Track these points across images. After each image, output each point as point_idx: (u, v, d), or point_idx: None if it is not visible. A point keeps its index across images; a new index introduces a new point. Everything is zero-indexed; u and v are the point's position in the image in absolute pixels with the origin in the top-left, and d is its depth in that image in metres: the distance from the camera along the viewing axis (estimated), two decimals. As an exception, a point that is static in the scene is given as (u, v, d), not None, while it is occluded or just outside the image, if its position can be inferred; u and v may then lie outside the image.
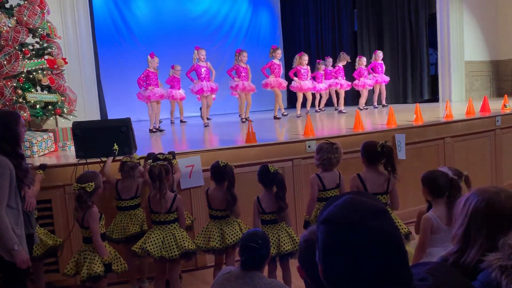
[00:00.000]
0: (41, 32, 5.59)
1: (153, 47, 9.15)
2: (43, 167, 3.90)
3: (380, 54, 9.79)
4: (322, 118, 8.58)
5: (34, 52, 5.44)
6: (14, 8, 5.34)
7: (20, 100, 5.11)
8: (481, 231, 1.63)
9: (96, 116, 7.18)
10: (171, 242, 3.50)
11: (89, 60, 7.22)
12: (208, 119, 8.16)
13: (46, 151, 5.01)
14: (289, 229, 3.57)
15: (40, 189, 3.67)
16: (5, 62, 4.99)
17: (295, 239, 3.50)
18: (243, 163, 4.63)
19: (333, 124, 7.38)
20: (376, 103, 9.88)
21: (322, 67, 9.82)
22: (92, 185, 3.26)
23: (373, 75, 9.66)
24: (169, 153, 4.18)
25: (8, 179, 2.75)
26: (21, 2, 5.43)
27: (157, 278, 3.72)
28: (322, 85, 9.61)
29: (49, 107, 5.42)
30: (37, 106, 5.25)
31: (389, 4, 11.21)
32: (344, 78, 9.66)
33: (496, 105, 7.21)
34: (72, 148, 4.82)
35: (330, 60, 10.06)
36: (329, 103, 10.58)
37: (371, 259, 0.95)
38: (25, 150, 4.49)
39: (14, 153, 2.90)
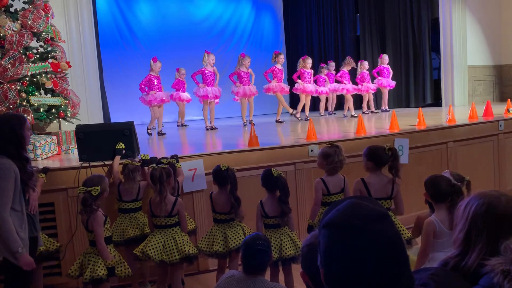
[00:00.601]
0: (45, 36, 5.62)
1: (156, 51, 9.20)
2: (45, 170, 3.91)
3: (386, 57, 9.79)
4: (324, 123, 8.58)
5: (38, 56, 5.47)
6: (19, 12, 5.38)
7: (24, 103, 5.13)
8: (482, 235, 1.63)
9: (99, 120, 7.20)
10: (172, 246, 3.50)
11: (92, 63, 7.25)
12: (212, 126, 8.16)
13: (50, 154, 5.03)
14: (292, 233, 3.56)
15: (43, 192, 3.68)
16: (9, 66, 5.02)
17: (297, 244, 3.50)
18: (246, 167, 4.64)
19: (335, 128, 7.38)
20: (384, 107, 9.86)
21: (325, 71, 9.84)
22: (97, 189, 3.26)
23: (378, 79, 9.66)
24: (172, 156, 4.19)
25: (12, 182, 2.77)
26: (26, 6, 5.47)
27: (159, 282, 3.72)
28: (324, 89, 9.63)
29: (53, 110, 5.44)
30: (41, 110, 5.27)
31: (391, 9, 11.23)
32: (349, 82, 9.67)
33: (499, 110, 7.19)
34: (75, 151, 4.84)
35: (332, 64, 10.07)
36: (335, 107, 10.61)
37: (372, 264, 0.96)
38: (29, 153, 4.51)
39: (19, 156, 2.91)
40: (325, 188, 3.70)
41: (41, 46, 5.66)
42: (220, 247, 3.61)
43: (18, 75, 5.10)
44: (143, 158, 4.14)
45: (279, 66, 8.58)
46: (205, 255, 3.69)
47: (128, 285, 4.09)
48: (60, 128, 6.10)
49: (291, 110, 8.78)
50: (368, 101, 9.81)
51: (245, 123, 8.28)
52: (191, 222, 4.12)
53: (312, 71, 9.13)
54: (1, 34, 5.12)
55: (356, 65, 9.85)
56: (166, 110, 8.01)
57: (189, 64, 8.90)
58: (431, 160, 5.70)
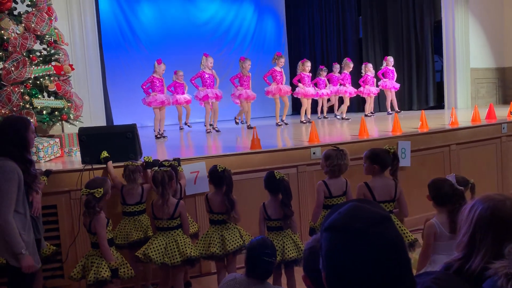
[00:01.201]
0: (48, 39, 5.64)
1: (159, 53, 9.21)
2: (47, 173, 3.92)
3: (391, 59, 9.78)
4: (326, 125, 8.57)
5: (41, 59, 5.49)
6: (22, 15, 5.40)
7: (27, 106, 5.15)
8: (486, 238, 1.62)
9: (102, 122, 7.22)
10: (174, 248, 3.50)
11: (95, 66, 7.27)
12: (213, 127, 8.17)
13: (52, 157, 5.04)
14: (294, 236, 3.56)
15: (46, 194, 3.69)
16: (12, 69, 5.04)
17: (300, 246, 3.50)
18: (248, 170, 4.64)
19: (337, 131, 7.38)
20: (389, 110, 9.87)
21: (324, 73, 9.85)
22: (101, 191, 3.27)
23: (383, 80, 9.65)
24: (174, 159, 4.20)
25: (16, 184, 2.78)
26: (29, 9, 5.49)
27: (161, 285, 3.72)
28: (325, 91, 9.63)
29: (56, 113, 5.46)
30: (44, 112, 5.29)
31: (394, 11, 11.22)
32: (351, 84, 9.66)
33: (502, 112, 7.18)
34: (78, 154, 4.85)
35: (337, 67, 10.06)
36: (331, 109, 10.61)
37: (374, 267, 0.95)
38: (32, 156, 4.52)
39: (23, 159, 2.92)
40: (327, 190, 3.69)
41: (44, 49, 5.68)
42: (217, 249, 3.60)
43: (21, 77, 5.12)
44: (146, 160, 4.15)
45: (278, 68, 8.56)
46: (202, 257, 3.69)
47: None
48: (63, 131, 6.12)
49: (278, 120, 8.75)
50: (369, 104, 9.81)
51: (249, 125, 8.30)
52: (193, 225, 4.11)
53: (311, 74, 9.14)
54: (5, 37, 5.15)
55: (359, 67, 9.85)
56: (168, 113, 8.01)
57: (191, 67, 8.91)
58: (433, 163, 5.69)
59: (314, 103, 9.87)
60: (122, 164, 4.11)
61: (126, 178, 3.95)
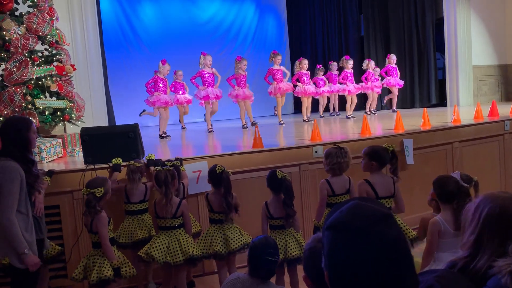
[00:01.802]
0: (50, 39, 5.65)
1: (160, 53, 9.22)
2: (50, 173, 3.93)
3: (393, 57, 9.78)
4: (328, 124, 8.56)
5: (43, 59, 5.50)
6: (24, 16, 5.41)
7: (29, 106, 5.16)
8: (495, 238, 1.59)
9: (104, 122, 7.22)
10: (176, 247, 3.51)
11: (97, 66, 7.27)
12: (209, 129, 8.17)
13: (55, 157, 5.05)
14: (297, 234, 3.57)
15: (49, 194, 3.69)
16: (14, 69, 5.05)
17: (302, 245, 3.50)
18: (251, 169, 4.64)
19: (340, 129, 7.37)
20: (393, 107, 9.86)
21: (321, 72, 9.84)
22: (101, 191, 3.28)
23: (387, 78, 9.64)
24: (176, 159, 4.21)
25: (18, 185, 2.78)
26: (31, 10, 5.49)
27: (164, 284, 3.73)
28: (324, 89, 9.62)
29: (58, 113, 5.46)
30: (46, 112, 5.30)
31: (395, 9, 11.20)
32: (353, 82, 9.64)
33: (504, 110, 7.15)
34: (80, 154, 4.86)
35: (335, 65, 10.05)
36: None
37: (376, 265, 0.95)
38: (34, 156, 4.53)
39: (25, 159, 2.93)
40: (330, 189, 3.69)
41: (46, 49, 5.69)
42: (220, 247, 3.61)
43: (23, 78, 5.13)
44: (148, 158, 4.16)
45: (276, 67, 8.55)
46: (204, 257, 3.69)
47: (133, 287, 4.10)
48: (65, 131, 6.13)
49: (280, 119, 8.75)
50: (371, 102, 9.79)
51: (245, 125, 8.30)
52: (196, 224, 4.12)
53: (309, 72, 9.14)
54: (7, 38, 5.16)
55: (361, 64, 9.84)
56: (170, 114, 8.02)
57: (193, 66, 8.90)
58: (436, 160, 5.67)
59: (315, 102, 9.86)
60: (124, 163, 4.12)
61: (128, 177, 3.96)
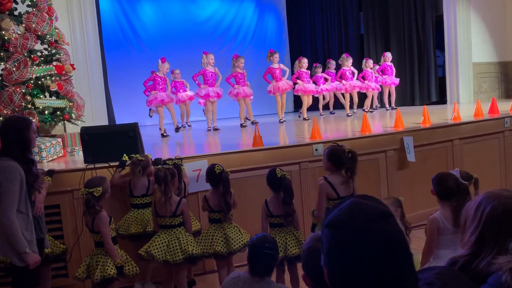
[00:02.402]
0: (49, 39, 5.64)
1: (160, 52, 9.20)
2: (50, 173, 3.93)
3: (389, 55, 9.77)
4: (328, 122, 8.56)
5: (42, 59, 5.50)
6: (23, 15, 5.40)
7: (29, 106, 5.16)
8: (497, 237, 1.57)
9: (104, 121, 7.22)
10: (176, 246, 3.51)
11: (96, 65, 7.27)
12: (215, 127, 8.18)
13: (55, 157, 5.05)
14: (297, 232, 3.57)
15: (49, 194, 3.69)
16: (14, 69, 5.04)
17: (302, 243, 3.50)
18: (251, 167, 4.64)
19: (340, 127, 7.36)
20: (387, 105, 9.85)
21: (319, 70, 9.83)
22: (99, 190, 3.28)
23: (383, 77, 9.63)
24: (177, 158, 4.21)
25: (18, 184, 2.79)
26: (30, 10, 5.49)
27: (164, 283, 3.73)
28: (324, 87, 9.61)
29: (58, 112, 5.46)
30: (46, 112, 5.30)
31: (395, 6, 11.18)
32: (352, 80, 9.62)
33: (504, 107, 7.14)
34: (80, 153, 4.86)
35: (333, 63, 10.03)
36: (337, 106, 10.59)
37: (375, 263, 0.95)
38: (34, 156, 4.53)
39: (25, 158, 2.94)
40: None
41: (45, 49, 5.68)
42: (221, 247, 3.61)
43: (23, 78, 5.13)
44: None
45: (275, 65, 8.54)
46: (205, 256, 3.69)
47: (132, 286, 4.10)
48: (65, 130, 6.12)
49: (280, 117, 8.76)
50: (372, 100, 9.78)
51: (244, 124, 8.30)
52: (196, 223, 4.12)
53: (309, 71, 9.13)
54: (6, 38, 5.15)
55: (360, 63, 9.82)
56: (168, 112, 8.01)
57: (193, 65, 8.91)
58: (436, 158, 5.67)
59: (315, 101, 9.85)
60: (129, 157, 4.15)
61: (130, 171, 3.99)
